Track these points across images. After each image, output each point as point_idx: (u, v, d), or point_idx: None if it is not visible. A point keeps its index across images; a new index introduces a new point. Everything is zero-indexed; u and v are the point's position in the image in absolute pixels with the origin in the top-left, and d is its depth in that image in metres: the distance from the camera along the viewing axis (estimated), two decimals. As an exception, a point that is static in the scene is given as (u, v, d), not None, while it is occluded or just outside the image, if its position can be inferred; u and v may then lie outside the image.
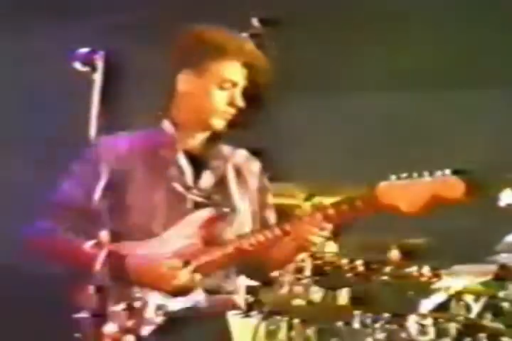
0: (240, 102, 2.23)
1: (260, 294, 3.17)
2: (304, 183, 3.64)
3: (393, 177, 2.10)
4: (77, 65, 2.23)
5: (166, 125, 2.27)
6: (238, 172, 2.31)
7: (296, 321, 3.06)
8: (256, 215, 2.34)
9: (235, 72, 2.23)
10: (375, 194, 2.10)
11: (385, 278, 3.10)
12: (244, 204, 2.30)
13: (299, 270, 3.14)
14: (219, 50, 2.22)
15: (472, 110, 3.78)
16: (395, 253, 3.13)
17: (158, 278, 2.14)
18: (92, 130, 2.24)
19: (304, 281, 3.09)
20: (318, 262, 3.17)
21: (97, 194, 2.13)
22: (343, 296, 3.13)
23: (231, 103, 2.23)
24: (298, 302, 3.12)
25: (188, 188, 2.23)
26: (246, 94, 2.27)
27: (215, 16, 3.63)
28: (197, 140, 2.28)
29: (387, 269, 3.11)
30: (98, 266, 2.12)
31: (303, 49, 3.80)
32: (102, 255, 2.12)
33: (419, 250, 3.20)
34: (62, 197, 2.24)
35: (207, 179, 2.26)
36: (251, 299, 3.14)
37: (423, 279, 3.06)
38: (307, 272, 3.10)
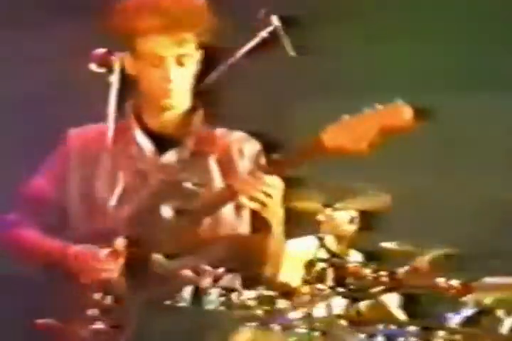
0: (172, 76, 2.11)
1: (279, 304, 3.06)
2: (324, 187, 3.54)
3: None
4: (93, 67, 2.12)
5: (126, 106, 2.21)
6: (226, 154, 2.19)
7: (317, 333, 2.94)
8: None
9: (161, 45, 2.11)
10: (320, 137, 1.98)
11: (411, 289, 2.98)
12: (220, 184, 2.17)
13: (320, 280, 3.03)
14: (141, 28, 2.11)
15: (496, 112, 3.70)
16: (422, 264, 3.01)
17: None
18: (110, 132, 2.16)
19: (326, 292, 2.98)
20: (340, 272, 3.06)
21: (113, 200, 2.06)
22: (393, 303, 3.00)
23: (165, 78, 2.11)
24: (319, 313, 3.01)
25: (150, 165, 2.13)
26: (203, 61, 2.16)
27: (235, 13, 3.55)
28: (164, 119, 2.17)
29: (414, 280, 2.99)
30: (115, 274, 2.04)
31: (323, 48, 3.71)
32: (120, 263, 2.04)
33: (448, 261, 3.09)
34: (31, 189, 2.21)
35: (170, 156, 2.16)
36: (270, 310, 3.03)
37: (452, 291, 2.93)
38: (329, 282, 2.99)
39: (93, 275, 2.04)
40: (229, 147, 2.21)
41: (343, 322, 2.99)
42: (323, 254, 3.26)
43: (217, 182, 2.17)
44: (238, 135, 2.25)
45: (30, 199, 2.21)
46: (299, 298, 3.01)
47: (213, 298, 2.10)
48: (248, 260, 2.20)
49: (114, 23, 2.14)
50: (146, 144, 2.19)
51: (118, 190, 2.14)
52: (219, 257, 2.17)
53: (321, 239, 3.76)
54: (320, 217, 3.76)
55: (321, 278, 3.02)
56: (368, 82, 3.81)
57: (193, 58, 2.16)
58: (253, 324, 2.81)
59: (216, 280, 2.13)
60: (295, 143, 2.14)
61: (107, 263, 2.04)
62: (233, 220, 2.18)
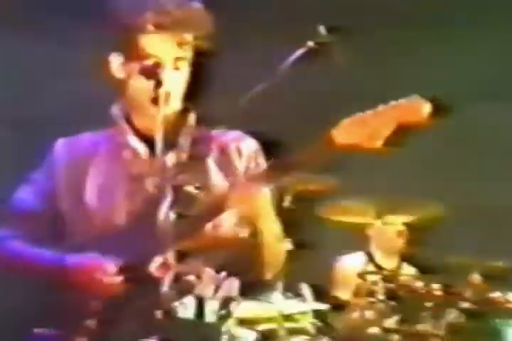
0: (166, 79, 2.04)
1: (330, 319, 2.99)
2: (374, 200, 3.48)
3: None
4: (141, 79, 2.05)
5: (114, 110, 2.13)
6: (224, 153, 2.13)
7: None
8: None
9: (162, 46, 2.05)
10: (331, 134, 1.87)
11: (466, 303, 2.88)
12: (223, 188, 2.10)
13: (371, 293, 2.95)
14: (145, 24, 2.05)
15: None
16: (476, 277, 2.92)
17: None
18: (159, 147, 2.08)
19: (378, 306, 2.90)
20: (391, 285, 2.98)
21: (163, 212, 1.99)
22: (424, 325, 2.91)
23: (157, 83, 2.03)
24: (371, 328, 2.93)
25: (146, 170, 2.07)
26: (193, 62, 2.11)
27: (282, 23, 3.53)
28: (157, 121, 2.09)
29: (468, 294, 2.89)
30: (165, 288, 1.99)
31: (371, 58, 3.67)
32: (170, 277, 1.99)
33: (503, 274, 2.99)
34: (17, 204, 2.14)
35: (168, 158, 2.06)
36: (319, 324, 2.96)
37: (509, 306, 2.83)
38: (380, 296, 2.91)
39: (99, 289, 1.98)
40: (226, 146, 2.15)
41: (396, 337, 2.91)
42: (371, 269, 3.18)
43: (217, 183, 2.12)
44: (235, 134, 2.19)
45: (15, 214, 2.14)
46: (351, 311, 2.94)
47: (214, 309, 2.06)
48: (247, 263, 2.14)
49: (115, 17, 2.08)
50: (141, 148, 2.12)
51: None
52: (219, 261, 2.11)
53: (369, 254, 3.70)
54: (369, 232, 3.70)
55: (371, 291, 2.95)
56: (413, 93, 3.77)
57: (187, 62, 2.11)
58: (303, 337, 2.74)
59: (216, 288, 2.08)
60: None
61: (114, 275, 1.99)
62: (231, 224, 2.12)
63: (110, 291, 2.00)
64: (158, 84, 2.02)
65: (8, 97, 3.92)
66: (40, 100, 3.72)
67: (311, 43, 2.97)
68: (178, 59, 2.07)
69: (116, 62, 2.09)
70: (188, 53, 2.09)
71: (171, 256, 1.96)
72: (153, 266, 1.98)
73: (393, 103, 1.86)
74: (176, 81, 2.08)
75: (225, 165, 2.12)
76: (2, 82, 3.83)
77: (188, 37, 2.07)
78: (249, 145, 2.16)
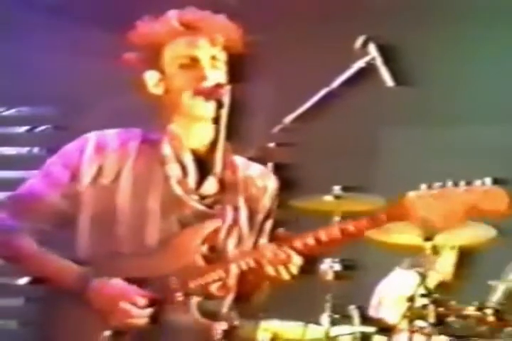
0: (210, 73, 1.98)
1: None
2: (425, 220, 3.40)
3: (423, 186, 1.87)
4: (200, 100, 2.01)
5: (172, 127, 2.01)
6: (246, 186, 2.06)
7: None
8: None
9: (191, 47, 2.01)
10: (402, 205, 1.88)
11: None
12: (246, 222, 2.04)
13: (421, 317, 2.88)
14: (166, 36, 2.02)
15: None
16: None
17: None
18: (218, 163, 2.03)
19: (426, 330, 2.83)
20: (442, 309, 2.90)
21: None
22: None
23: (200, 77, 1.98)
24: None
25: (188, 192, 1.99)
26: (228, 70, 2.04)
27: (333, 41, 3.51)
28: (203, 141, 2.03)
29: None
30: (225, 309, 1.97)
31: (418, 78, 3.63)
32: (231, 296, 1.98)
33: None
34: (27, 192, 2.01)
35: (210, 185, 2.00)
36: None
37: None
38: (430, 319, 2.84)
39: (122, 319, 1.89)
40: (253, 182, 2.08)
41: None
42: (422, 290, 3.11)
43: (244, 221, 2.06)
44: (259, 169, 2.13)
45: (21, 203, 2.00)
46: (398, 335, 2.88)
47: None
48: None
49: (141, 32, 2.06)
50: (192, 168, 2.01)
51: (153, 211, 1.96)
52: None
53: (423, 275, 3.61)
54: (423, 251, 3.61)
55: (421, 315, 2.88)
56: (459, 114, 3.72)
57: (223, 65, 2.05)
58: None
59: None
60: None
61: (141, 307, 1.90)
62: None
63: (133, 323, 1.91)
64: (220, 105, 1.98)
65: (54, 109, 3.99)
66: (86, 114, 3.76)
67: (361, 63, 2.93)
68: (213, 58, 2.04)
69: (153, 79, 2.05)
70: (222, 55, 2.04)
71: (231, 278, 1.93)
72: (214, 287, 1.94)
73: (474, 187, 1.86)
74: (216, 80, 1.99)
75: (253, 205, 2.08)
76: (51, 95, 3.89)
77: (219, 37, 2.03)
78: (273, 184, 2.12)
